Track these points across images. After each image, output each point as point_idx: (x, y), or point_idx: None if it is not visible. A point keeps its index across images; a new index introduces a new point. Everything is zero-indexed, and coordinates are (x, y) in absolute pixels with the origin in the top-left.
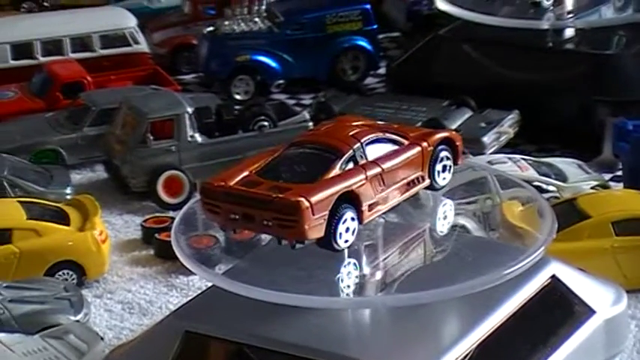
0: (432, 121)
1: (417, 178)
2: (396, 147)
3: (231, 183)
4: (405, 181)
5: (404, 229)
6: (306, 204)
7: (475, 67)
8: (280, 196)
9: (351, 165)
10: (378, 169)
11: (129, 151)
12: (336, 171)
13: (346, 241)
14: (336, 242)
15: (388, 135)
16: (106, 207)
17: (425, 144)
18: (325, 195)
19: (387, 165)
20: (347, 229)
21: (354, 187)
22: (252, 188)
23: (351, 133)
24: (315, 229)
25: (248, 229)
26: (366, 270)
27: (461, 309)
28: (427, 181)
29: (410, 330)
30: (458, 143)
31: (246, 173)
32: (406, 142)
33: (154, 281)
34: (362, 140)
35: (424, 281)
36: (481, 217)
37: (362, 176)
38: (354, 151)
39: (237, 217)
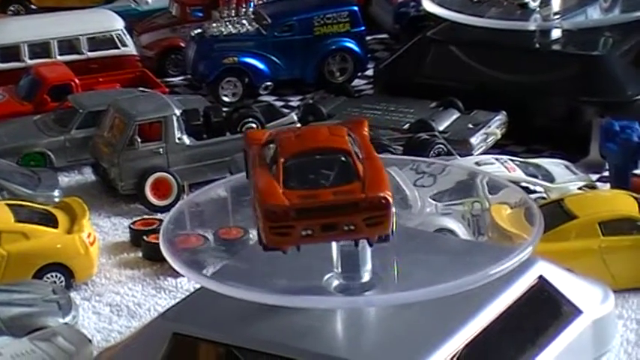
0: (419, 123)
1: None
2: None
3: (296, 200)
4: None
5: None
6: (390, 198)
7: (462, 68)
8: (370, 194)
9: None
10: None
11: (117, 153)
12: (360, 167)
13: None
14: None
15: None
16: (94, 209)
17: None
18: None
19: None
20: None
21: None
22: (321, 198)
23: (334, 134)
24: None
25: (325, 240)
26: (354, 270)
27: (448, 309)
28: None
29: (398, 330)
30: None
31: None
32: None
33: (143, 283)
34: (351, 137)
35: (411, 281)
36: (469, 220)
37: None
38: (353, 147)
39: (311, 231)
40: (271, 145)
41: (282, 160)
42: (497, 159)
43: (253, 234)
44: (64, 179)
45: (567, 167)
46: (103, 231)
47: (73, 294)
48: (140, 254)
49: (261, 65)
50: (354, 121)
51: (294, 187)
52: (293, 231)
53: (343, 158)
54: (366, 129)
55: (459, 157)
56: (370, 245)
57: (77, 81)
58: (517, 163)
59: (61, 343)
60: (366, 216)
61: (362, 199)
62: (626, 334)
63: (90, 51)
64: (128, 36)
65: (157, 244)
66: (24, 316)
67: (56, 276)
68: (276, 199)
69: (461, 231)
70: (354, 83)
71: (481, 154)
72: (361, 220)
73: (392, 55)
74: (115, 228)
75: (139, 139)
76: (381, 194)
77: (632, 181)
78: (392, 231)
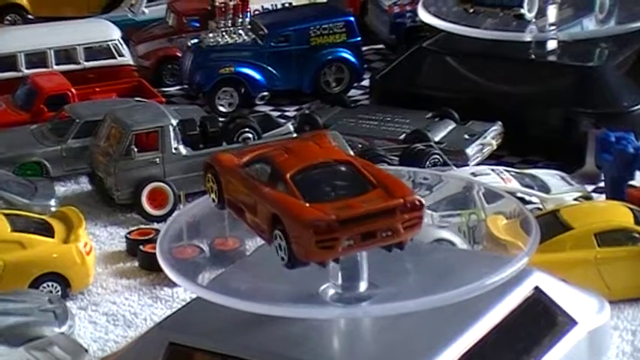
0: (415, 133)
1: None
2: None
3: (332, 212)
4: None
5: None
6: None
7: (458, 79)
8: (407, 198)
9: None
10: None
11: (113, 163)
12: (370, 175)
13: None
14: None
15: None
16: (90, 219)
17: None
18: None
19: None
20: None
21: None
22: (357, 208)
23: (323, 147)
24: None
25: (364, 248)
26: (350, 280)
27: (445, 320)
28: None
29: (394, 340)
30: None
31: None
32: None
33: (139, 293)
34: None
35: (407, 291)
36: (466, 231)
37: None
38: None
39: (352, 242)
40: (258, 165)
41: (288, 176)
42: (492, 170)
43: (249, 244)
44: (61, 189)
45: (563, 178)
46: (99, 240)
47: (69, 303)
48: (136, 264)
49: (257, 75)
50: (316, 134)
51: (317, 200)
52: (337, 243)
53: (348, 169)
54: (330, 140)
55: (454, 168)
56: (401, 249)
57: (74, 91)
58: (513, 173)
59: (57, 353)
60: (404, 220)
61: (400, 204)
62: (622, 345)
63: (87, 61)
64: (125, 46)
65: (154, 253)
66: (20, 325)
67: (52, 285)
68: (316, 213)
69: (457, 241)
70: (350, 93)
71: (477, 164)
72: (400, 225)
73: (388, 66)
74: (112, 237)
75: (136, 149)
76: (415, 197)
77: (627, 192)
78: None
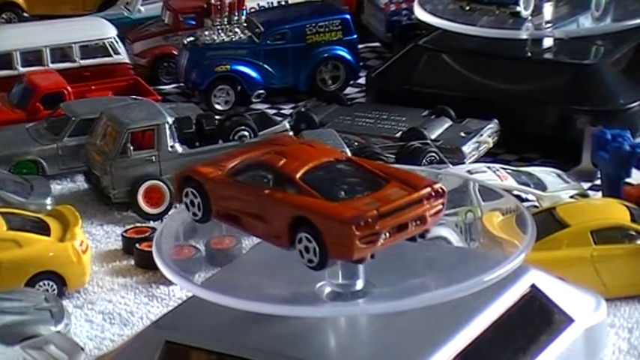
0: (411, 131)
1: None
2: None
3: (363, 207)
4: None
5: None
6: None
7: (454, 76)
8: (434, 187)
9: None
10: None
11: (109, 161)
12: (379, 172)
13: None
14: None
15: None
16: (86, 217)
17: None
18: None
19: None
20: None
21: None
22: (392, 200)
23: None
24: None
25: (396, 240)
26: (346, 278)
27: (441, 317)
28: None
29: (390, 338)
30: None
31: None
32: None
33: (135, 291)
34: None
35: (404, 289)
36: (462, 228)
37: None
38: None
39: (388, 234)
40: (251, 173)
41: (298, 177)
42: (489, 167)
43: (246, 243)
44: (57, 187)
45: (559, 176)
46: (95, 239)
47: (65, 302)
48: (132, 262)
49: (253, 73)
50: (279, 138)
51: (338, 199)
52: (378, 238)
53: (352, 166)
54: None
55: (451, 166)
56: (423, 238)
57: (70, 89)
58: (509, 171)
59: (53, 352)
60: (431, 208)
61: (429, 194)
62: (618, 343)
63: (82, 59)
64: (121, 44)
65: (150, 252)
66: (16, 324)
67: (48, 284)
68: (353, 209)
69: (454, 239)
70: (346, 91)
71: (473, 162)
72: (428, 213)
73: (384, 64)
74: (108, 236)
75: (132, 147)
76: (439, 184)
77: (623, 189)
78: None
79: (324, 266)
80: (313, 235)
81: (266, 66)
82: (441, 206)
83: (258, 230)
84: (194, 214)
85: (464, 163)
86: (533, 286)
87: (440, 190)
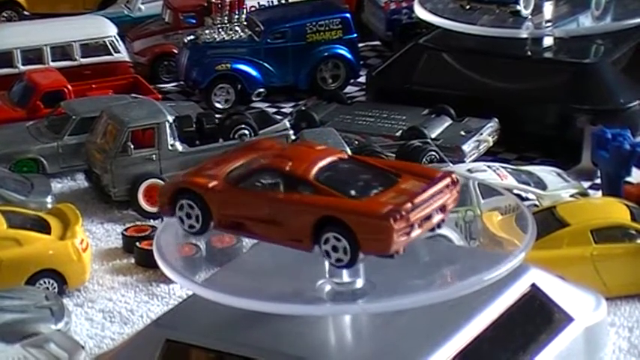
0: (411, 130)
1: None
2: None
3: (402, 199)
4: None
5: None
6: None
7: (455, 75)
8: (452, 176)
9: None
10: None
11: (109, 160)
12: (387, 168)
13: None
14: None
15: None
16: (87, 216)
17: None
18: None
19: None
20: None
21: None
22: (417, 192)
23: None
24: None
25: (425, 230)
26: (346, 277)
27: (441, 316)
28: None
29: (390, 337)
30: None
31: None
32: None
33: (135, 290)
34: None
35: (404, 288)
36: (462, 227)
37: None
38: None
39: (416, 225)
40: (253, 178)
41: (311, 177)
42: (489, 166)
43: (246, 242)
44: (57, 185)
45: (559, 175)
46: (95, 237)
47: (65, 300)
48: (133, 260)
49: (253, 72)
50: (258, 142)
51: (362, 196)
52: (412, 230)
53: (358, 164)
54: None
55: (451, 165)
56: (439, 228)
57: (70, 87)
58: (509, 170)
59: (53, 350)
60: (450, 197)
61: (450, 183)
62: (618, 342)
63: (83, 57)
64: (121, 42)
65: (150, 250)
66: (16, 322)
67: (49, 282)
68: (385, 204)
69: (454, 237)
70: (346, 90)
71: (473, 161)
72: (450, 201)
73: (384, 62)
74: (108, 234)
75: (132, 146)
76: (453, 173)
77: (624, 188)
78: None
79: (355, 264)
80: (343, 233)
81: (266, 65)
82: (456, 194)
83: (273, 235)
84: (190, 227)
85: (464, 161)
86: (533, 285)
87: (456, 179)
